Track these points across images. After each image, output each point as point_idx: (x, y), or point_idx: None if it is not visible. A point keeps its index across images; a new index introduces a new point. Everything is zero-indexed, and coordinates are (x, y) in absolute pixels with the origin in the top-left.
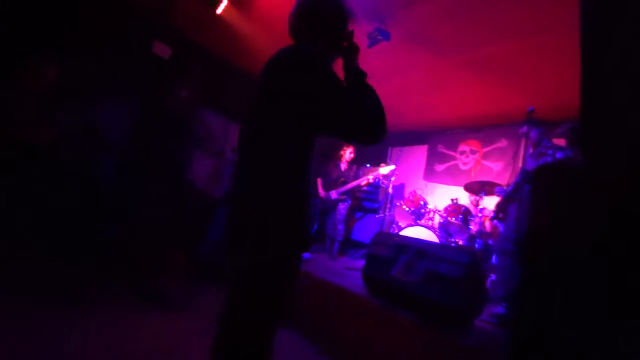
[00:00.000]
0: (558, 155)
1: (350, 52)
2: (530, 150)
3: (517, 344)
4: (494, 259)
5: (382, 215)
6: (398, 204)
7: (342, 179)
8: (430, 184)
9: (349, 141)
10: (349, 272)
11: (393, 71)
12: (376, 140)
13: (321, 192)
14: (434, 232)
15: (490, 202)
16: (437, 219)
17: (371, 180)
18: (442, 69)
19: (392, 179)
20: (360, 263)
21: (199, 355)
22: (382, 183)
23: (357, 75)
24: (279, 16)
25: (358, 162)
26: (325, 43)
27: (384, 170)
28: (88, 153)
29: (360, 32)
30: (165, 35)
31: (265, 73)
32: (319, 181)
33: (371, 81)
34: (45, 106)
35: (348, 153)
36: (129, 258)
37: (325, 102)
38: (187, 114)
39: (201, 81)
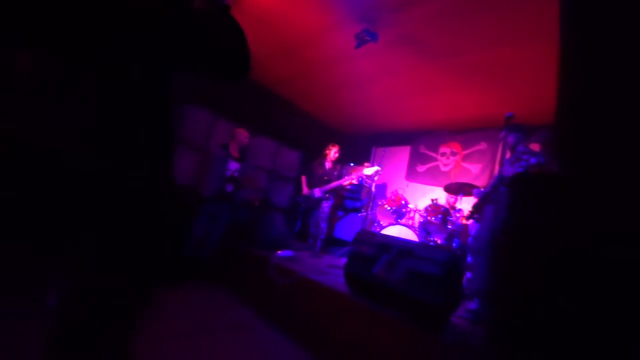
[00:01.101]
0: (532, 160)
1: None
2: (508, 155)
3: (492, 344)
4: (469, 257)
5: (364, 214)
6: (380, 203)
7: (326, 178)
8: (411, 184)
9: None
10: (331, 270)
11: (380, 73)
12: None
13: (305, 189)
14: (414, 231)
15: (468, 203)
16: (418, 219)
17: (355, 181)
18: (429, 73)
19: (375, 178)
20: (343, 261)
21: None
22: (365, 182)
23: None
24: (266, 11)
25: (342, 162)
26: None
27: (368, 171)
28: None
29: (348, 32)
30: None
31: None
32: (303, 179)
33: (360, 82)
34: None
35: (333, 152)
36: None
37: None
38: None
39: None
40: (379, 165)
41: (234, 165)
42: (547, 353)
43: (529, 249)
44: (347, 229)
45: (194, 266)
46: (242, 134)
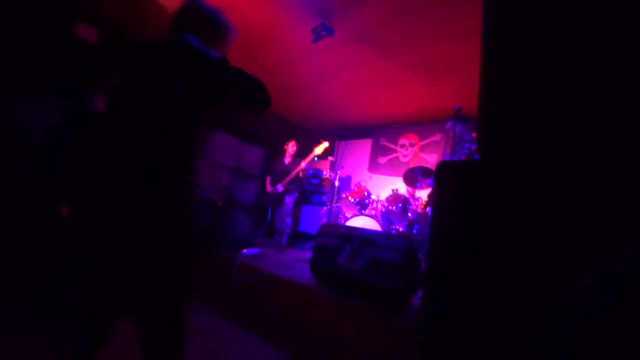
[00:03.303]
0: (473, 147)
1: None
2: (456, 145)
3: (425, 337)
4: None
5: (329, 207)
6: (344, 195)
7: (287, 172)
8: (374, 176)
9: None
10: (298, 264)
11: (340, 68)
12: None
13: (268, 188)
14: (377, 220)
15: (425, 192)
16: (380, 209)
17: (307, 163)
18: (386, 68)
19: (339, 171)
20: (308, 254)
21: None
22: (329, 175)
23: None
24: (221, 6)
25: (304, 156)
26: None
27: (318, 149)
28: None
29: (305, 26)
30: (91, 17)
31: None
32: (268, 178)
33: (320, 78)
34: None
35: (291, 147)
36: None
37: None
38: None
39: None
40: (342, 158)
41: None
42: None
43: (450, 236)
44: (312, 222)
45: None
46: None
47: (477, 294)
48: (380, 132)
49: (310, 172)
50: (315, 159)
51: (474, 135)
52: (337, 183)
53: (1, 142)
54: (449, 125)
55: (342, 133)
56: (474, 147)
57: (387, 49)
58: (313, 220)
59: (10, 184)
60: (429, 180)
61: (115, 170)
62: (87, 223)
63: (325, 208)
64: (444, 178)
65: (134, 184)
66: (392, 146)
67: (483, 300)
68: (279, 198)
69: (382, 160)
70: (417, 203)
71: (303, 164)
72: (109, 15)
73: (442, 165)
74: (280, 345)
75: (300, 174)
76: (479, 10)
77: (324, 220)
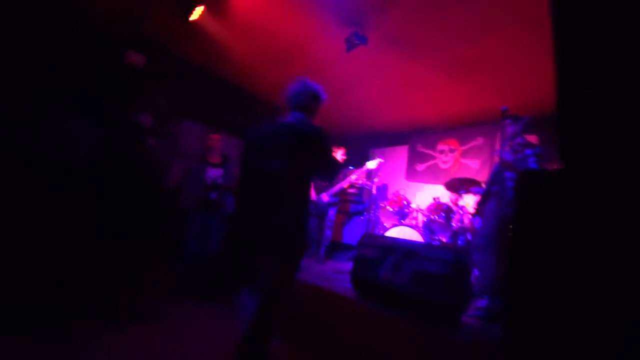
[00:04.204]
0: (527, 151)
1: None
2: (506, 146)
3: (511, 341)
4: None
5: (367, 216)
6: (382, 205)
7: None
8: (412, 184)
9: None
10: (338, 275)
11: (372, 74)
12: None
13: (313, 195)
14: (418, 231)
15: (470, 199)
16: (421, 218)
17: (358, 178)
18: (419, 70)
19: (376, 180)
20: (348, 265)
21: None
22: (366, 185)
23: None
24: (254, 21)
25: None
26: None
27: (371, 164)
28: (55, 171)
29: (336, 37)
30: (139, 44)
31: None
32: (312, 185)
33: (352, 84)
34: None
35: (340, 155)
36: (110, 278)
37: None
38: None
39: (177, 88)
40: (377, 167)
41: (215, 172)
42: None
43: (535, 244)
44: (351, 233)
45: (190, 284)
46: (214, 139)
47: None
48: (417, 138)
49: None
50: (351, 167)
51: (527, 138)
52: (374, 192)
53: (52, 158)
54: (501, 125)
55: (376, 140)
56: (528, 150)
57: (420, 50)
58: (351, 230)
59: (57, 192)
60: (476, 188)
61: (265, 205)
62: (243, 234)
63: (362, 218)
64: (531, 190)
65: (276, 213)
66: (431, 152)
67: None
68: (322, 208)
69: (420, 167)
70: (461, 212)
71: (353, 177)
72: (155, 41)
73: (525, 176)
74: (321, 357)
75: (346, 186)
76: (511, 2)
77: (361, 231)
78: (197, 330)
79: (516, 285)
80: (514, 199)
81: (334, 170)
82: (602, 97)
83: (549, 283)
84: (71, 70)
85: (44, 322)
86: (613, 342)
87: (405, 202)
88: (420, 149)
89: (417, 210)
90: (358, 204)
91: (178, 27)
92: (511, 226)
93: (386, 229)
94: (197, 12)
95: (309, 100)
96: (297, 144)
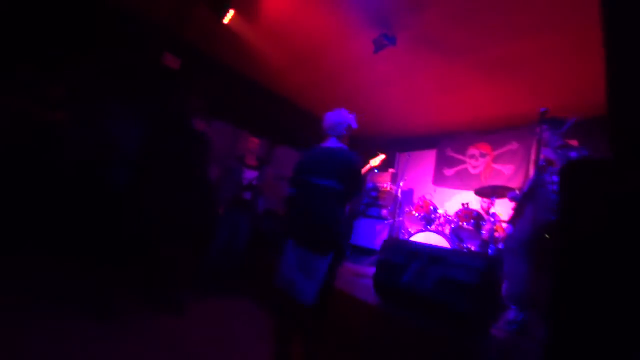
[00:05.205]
0: (572, 154)
1: None
2: (547, 149)
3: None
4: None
5: (391, 221)
6: (407, 209)
7: None
8: (439, 189)
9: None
10: (358, 279)
11: (400, 75)
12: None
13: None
14: (445, 238)
15: (502, 207)
16: (448, 225)
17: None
18: (450, 72)
19: (401, 184)
20: (368, 269)
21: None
22: (390, 188)
23: None
24: (284, 23)
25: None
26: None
27: (375, 161)
28: (101, 160)
29: (364, 38)
30: (175, 47)
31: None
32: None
33: (379, 86)
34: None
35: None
36: (145, 263)
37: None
38: (196, 122)
39: (210, 90)
40: (403, 171)
41: (250, 174)
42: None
43: (588, 237)
44: (370, 236)
45: (217, 277)
46: (253, 142)
47: None
48: (446, 143)
49: (370, 184)
50: (376, 170)
51: (568, 142)
52: (399, 196)
53: (102, 153)
54: (538, 130)
55: (403, 144)
56: (572, 153)
57: (451, 51)
58: (369, 233)
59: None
60: (512, 194)
61: (313, 208)
62: (293, 230)
63: (385, 222)
64: (583, 179)
65: (326, 222)
66: (460, 157)
67: None
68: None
69: (449, 172)
70: (492, 220)
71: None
72: (190, 44)
73: (575, 165)
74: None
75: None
76: (548, 4)
77: (381, 235)
78: (223, 320)
79: (565, 291)
80: (559, 196)
81: (364, 187)
82: None
83: (604, 282)
84: (121, 70)
85: (88, 297)
86: None
87: (431, 208)
88: (450, 153)
89: (444, 217)
90: (377, 207)
91: (212, 31)
92: (548, 235)
93: (411, 235)
94: (230, 16)
95: (345, 130)
96: (342, 168)
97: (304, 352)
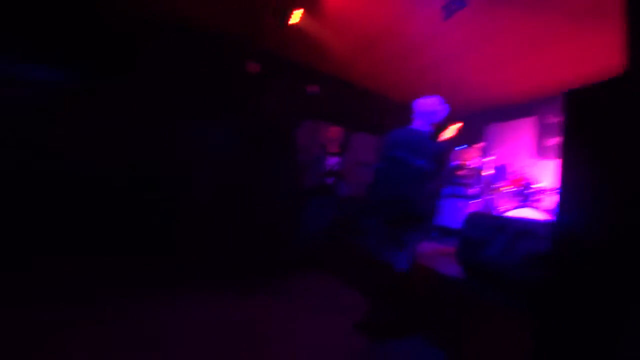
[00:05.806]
0: None
1: None
2: None
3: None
4: None
5: (479, 199)
6: (498, 186)
7: None
8: (539, 162)
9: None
10: (442, 256)
11: (478, 41)
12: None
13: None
14: (547, 214)
15: None
16: (549, 200)
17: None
18: (535, 28)
19: (492, 158)
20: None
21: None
22: (480, 164)
23: None
24: (349, 17)
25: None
26: None
27: (449, 132)
28: (187, 167)
29: (429, 10)
30: (255, 54)
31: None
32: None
33: (456, 57)
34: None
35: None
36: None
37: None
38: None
39: (288, 89)
40: (494, 144)
41: (332, 160)
42: None
43: None
44: (455, 216)
45: (303, 256)
46: (334, 131)
47: None
48: (545, 108)
49: (455, 162)
50: (464, 145)
51: None
52: (489, 172)
53: (196, 156)
54: None
55: (490, 115)
56: None
57: (532, 3)
58: (454, 213)
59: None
60: None
61: (404, 185)
62: (381, 205)
63: (473, 202)
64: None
65: (412, 192)
66: None
67: None
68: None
69: (551, 141)
70: None
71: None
72: (270, 50)
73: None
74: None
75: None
76: None
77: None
78: (312, 300)
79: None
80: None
81: (448, 167)
82: None
83: None
84: (205, 81)
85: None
86: None
87: (527, 183)
88: (552, 119)
89: (543, 191)
90: (465, 186)
91: (283, 34)
92: None
93: (503, 212)
94: (296, 16)
95: (437, 119)
96: (434, 152)
97: (395, 308)
